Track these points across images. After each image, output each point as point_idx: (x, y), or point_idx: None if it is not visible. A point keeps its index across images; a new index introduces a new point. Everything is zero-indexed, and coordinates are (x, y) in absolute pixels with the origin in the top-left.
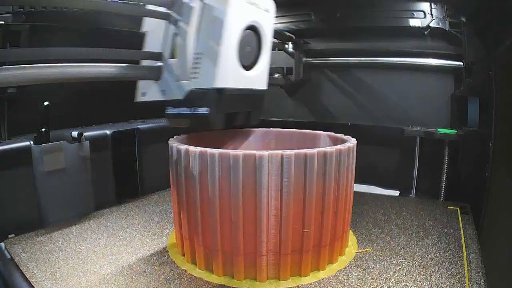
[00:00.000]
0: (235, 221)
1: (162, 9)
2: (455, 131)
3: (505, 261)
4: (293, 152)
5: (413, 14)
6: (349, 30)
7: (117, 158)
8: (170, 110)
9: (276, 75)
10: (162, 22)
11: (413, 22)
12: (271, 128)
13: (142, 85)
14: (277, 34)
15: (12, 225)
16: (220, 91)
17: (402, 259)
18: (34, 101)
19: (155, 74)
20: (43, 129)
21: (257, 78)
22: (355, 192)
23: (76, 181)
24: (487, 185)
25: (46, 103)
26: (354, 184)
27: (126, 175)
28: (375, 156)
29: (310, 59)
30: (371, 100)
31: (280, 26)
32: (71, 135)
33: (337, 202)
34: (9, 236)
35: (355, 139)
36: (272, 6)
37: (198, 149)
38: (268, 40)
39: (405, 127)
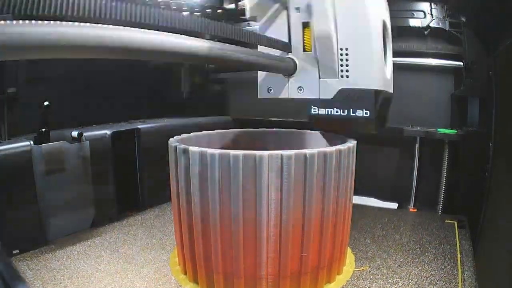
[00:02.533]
0: (235, 233)
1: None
2: (455, 131)
3: (499, 278)
4: (293, 152)
5: (413, 14)
6: None
7: (117, 158)
8: (317, 111)
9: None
10: (279, 8)
11: (413, 22)
12: (272, 128)
13: (266, 79)
14: None
15: (12, 225)
16: (378, 92)
17: (398, 278)
18: (34, 101)
19: (288, 68)
20: (43, 129)
21: (389, 80)
22: (354, 205)
23: (76, 181)
24: (487, 186)
25: (46, 103)
26: (354, 196)
27: (126, 175)
28: (375, 157)
29: None
30: None
31: None
32: (71, 135)
33: (337, 205)
34: (13, 252)
35: (355, 139)
36: (387, 4)
37: (198, 149)
38: (390, 37)
39: (405, 127)
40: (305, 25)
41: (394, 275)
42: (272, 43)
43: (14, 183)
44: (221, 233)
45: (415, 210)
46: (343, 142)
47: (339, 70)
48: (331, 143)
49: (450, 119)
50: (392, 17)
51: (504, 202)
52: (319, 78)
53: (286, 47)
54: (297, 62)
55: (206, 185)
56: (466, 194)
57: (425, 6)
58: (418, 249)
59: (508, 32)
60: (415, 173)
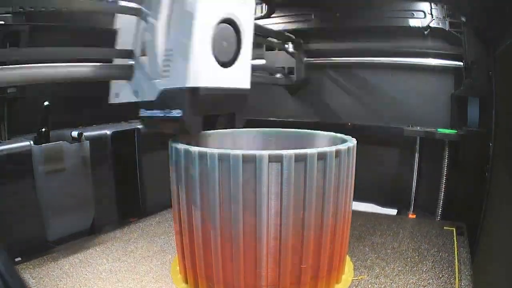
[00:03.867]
0: (235, 242)
1: (133, 5)
2: (455, 131)
3: (496, 286)
4: (293, 152)
5: (413, 14)
6: (349, 30)
7: (117, 158)
8: (143, 113)
9: (278, 75)
10: (133, 19)
11: (413, 22)
12: (272, 128)
13: (115, 85)
14: (277, 34)
15: (12, 225)
16: (194, 90)
17: (396, 287)
18: (34, 101)
19: (126, 74)
20: (43, 129)
21: (238, 76)
22: (354, 212)
23: (76, 181)
24: (487, 187)
25: (46, 103)
26: (353, 202)
27: (126, 175)
28: (374, 158)
29: (311, 59)
30: (371, 100)
31: (280, 26)
32: (71, 135)
33: (336, 210)
34: (16, 259)
35: (355, 139)
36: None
37: (197, 149)
38: (248, 34)
39: (405, 127)
40: (145, 31)
41: (392, 284)
42: (114, 54)
43: (14, 183)
44: (222, 242)
45: (414, 215)
46: (343, 142)
47: (162, 71)
48: (331, 143)
49: (450, 119)
50: (392, 17)
51: (503, 203)
52: (147, 80)
53: (128, 54)
54: (134, 67)
55: (206, 186)
56: (465, 197)
57: (425, 6)
58: (416, 257)
59: (508, 32)
60: (415, 175)
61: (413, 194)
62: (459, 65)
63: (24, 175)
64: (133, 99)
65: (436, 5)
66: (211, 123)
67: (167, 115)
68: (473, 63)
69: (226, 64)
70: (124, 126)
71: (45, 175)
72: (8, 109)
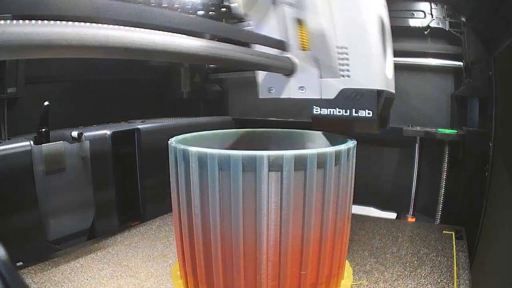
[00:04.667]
0: (235, 247)
1: None
2: (455, 131)
3: None
4: (293, 152)
5: (413, 14)
6: None
7: (117, 158)
8: (319, 111)
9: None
10: (268, 3)
11: (413, 22)
12: (271, 128)
13: (266, 79)
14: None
15: (12, 224)
16: (380, 92)
17: None
18: (34, 101)
19: (287, 67)
20: (43, 129)
21: (392, 81)
22: (353, 215)
23: (76, 181)
24: (487, 187)
25: (46, 103)
26: (353, 206)
27: (126, 175)
28: (373, 160)
29: None
30: None
31: None
32: (71, 135)
33: (336, 213)
34: (17, 264)
35: (355, 139)
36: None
37: (198, 149)
38: (390, 35)
39: (405, 127)
40: (300, 22)
41: None
42: (266, 41)
43: (14, 183)
44: (222, 248)
45: (414, 219)
46: (343, 142)
47: (340, 70)
48: (331, 143)
49: (450, 119)
50: (392, 17)
51: (503, 205)
52: (320, 77)
53: (281, 45)
54: (296, 61)
55: (206, 187)
56: (465, 198)
57: (425, 6)
58: (415, 261)
59: (508, 32)
60: (415, 177)
61: (412, 197)
62: (459, 65)
63: (24, 175)
64: (297, 95)
65: (436, 5)
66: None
67: (354, 115)
68: (473, 63)
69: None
70: (124, 126)
71: (45, 175)
72: (8, 109)
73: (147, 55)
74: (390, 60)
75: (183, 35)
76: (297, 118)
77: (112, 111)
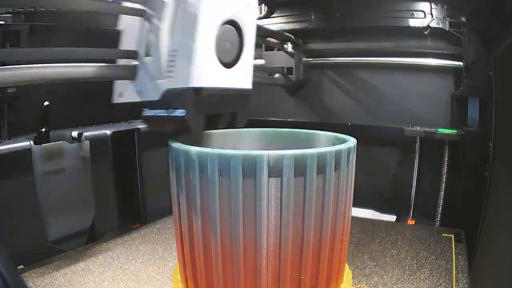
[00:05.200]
0: (235, 251)
1: (137, 6)
2: (455, 131)
3: None
4: (293, 152)
5: (413, 14)
6: (349, 30)
7: (117, 158)
8: (147, 112)
9: (277, 75)
10: (138, 20)
11: (413, 22)
12: (271, 128)
13: (118, 85)
14: (276, 34)
15: (12, 225)
16: (197, 90)
17: None
18: (34, 101)
19: (130, 74)
20: (43, 129)
21: (240, 76)
22: (353, 218)
23: (76, 181)
24: (487, 188)
25: (46, 103)
26: (352, 208)
27: (126, 175)
28: (374, 159)
29: (310, 59)
30: (371, 100)
31: (279, 26)
32: (71, 135)
33: (336, 216)
34: (18, 267)
35: (355, 139)
36: (253, 0)
37: (198, 149)
38: (250, 35)
39: (405, 127)
40: (150, 31)
41: None
42: (118, 54)
43: (14, 183)
44: (222, 252)
45: (414, 221)
46: (343, 142)
47: (166, 71)
48: (331, 143)
49: (450, 119)
50: (392, 17)
51: (503, 205)
52: (152, 80)
53: (132, 55)
54: (137, 67)
55: (206, 187)
56: (465, 200)
57: (425, 6)
58: (414, 265)
59: (508, 32)
60: (414, 179)
61: (412, 199)
62: (459, 65)
63: (24, 175)
64: (136, 99)
65: (436, 5)
66: (213, 123)
67: (170, 114)
68: (473, 63)
69: (228, 64)
70: (124, 126)
71: (45, 175)
72: (8, 109)
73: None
74: (246, 56)
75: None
76: (297, 118)
77: (112, 111)
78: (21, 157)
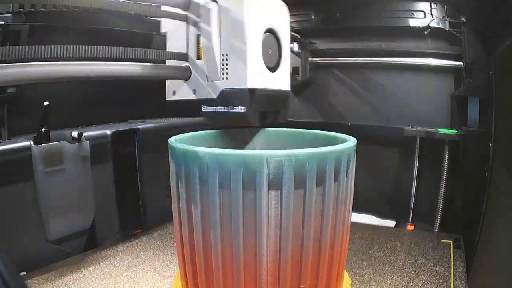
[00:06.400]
0: (236, 259)
1: (179, 11)
2: (455, 131)
3: None
4: (292, 152)
5: (413, 14)
6: (349, 30)
7: (117, 158)
8: (206, 109)
9: None
10: (182, 24)
11: (413, 22)
12: (271, 128)
13: (171, 84)
14: None
15: (12, 225)
16: (252, 90)
17: None
18: (34, 101)
19: (184, 74)
20: (43, 129)
21: (281, 79)
22: (353, 224)
23: (76, 181)
24: (487, 188)
25: (46, 103)
26: (352, 213)
27: (126, 175)
28: (374, 160)
29: (316, 59)
30: (371, 100)
31: None
32: (71, 135)
33: (336, 218)
34: (20, 273)
35: (355, 139)
36: (285, 9)
37: (197, 149)
38: (286, 42)
39: (405, 127)
40: (198, 36)
41: None
42: (171, 55)
43: (14, 183)
44: (223, 259)
45: (413, 226)
46: (343, 142)
47: (221, 73)
48: (331, 143)
49: (450, 119)
50: (392, 17)
51: (503, 206)
52: (207, 81)
53: (184, 57)
54: (191, 68)
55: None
56: (465, 202)
57: (425, 6)
58: (413, 272)
59: (508, 32)
60: (414, 181)
61: (412, 203)
62: (459, 65)
63: (24, 175)
64: (191, 96)
65: (436, 5)
66: (263, 119)
67: (231, 111)
68: (473, 63)
69: (272, 69)
70: (124, 126)
71: (45, 175)
72: (8, 109)
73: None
74: (285, 61)
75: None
76: (298, 118)
77: (112, 111)
78: (21, 157)
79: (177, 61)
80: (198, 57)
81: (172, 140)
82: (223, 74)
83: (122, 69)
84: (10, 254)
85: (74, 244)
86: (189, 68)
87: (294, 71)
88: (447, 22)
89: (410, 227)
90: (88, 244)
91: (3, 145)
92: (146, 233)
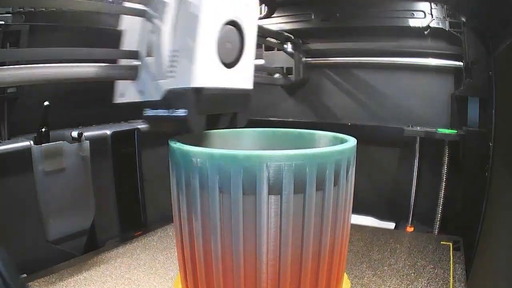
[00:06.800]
0: (236, 262)
1: (138, 6)
2: (455, 131)
3: None
4: (292, 152)
5: (413, 14)
6: (349, 30)
7: (117, 158)
8: (148, 112)
9: (276, 75)
10: (139, 20)
11: (413, 22)
12: (270, 128)
13: (120, 85)
14: (275, 34)
15: (12, 224)
16: (198, 90)
17: None
18: (34, 101)
19: (131, 74)
20: (43, 129)
21: (240, 77)
22: (352, 226)
23: (76, 181)
24: (487, 188)
25: (46, 103)
26: (352, 215)
27: (126, 176)
28: (373, 161)
29: (310, 59)
30: (371, 100)
31: (279, 26)
32: (71, 135)
33: (335, 218)
34: (21, 276)
35: (355, 139)
36: (253, 0)
37: (198, 149)
38: (251, 36)
39: (405, 127)
40: (152, 32)
41: None
42: (120, 54)
43: (14, 183)
44: (223, 263)
45: (413, 228)
46: (343, 142)
47: (168, 71)
48: (331, 143)
49: (450, 119)
50: (392, 17)
51: (503, 205)
52: (154, 80)
53: (134, 55)
54: (139, 67)
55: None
56: (465, 203)
57: (425, 6)
58: (412, 274)
59: (508, 32)
60: (414, 183)
61: (412, 205)
62: (459, 65)
63: (24, 175)
64: (138, 98)
65: (436, 5)
66: (213, 123)
67: (172, 114)
68: (473, 63)
69: (229, 65)
70: (124, 126)
71: (45, 175)
72: (8, 109)
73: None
74: (247, 57)
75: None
76: (296, 118)
77: (112, 111)
78: (21, 157)
79: (129, 60)
80: (149, 55)
81: (172, 140)
82: (170, 72)
83: (67, 71)
84: (10, 254)
85: (74, 244)
86: (137, 67)
87: (288, 71)
88: (447, 22)
89: (409, 229)
90: (89, 245)
91: (3, 145)
92: (146, 235)
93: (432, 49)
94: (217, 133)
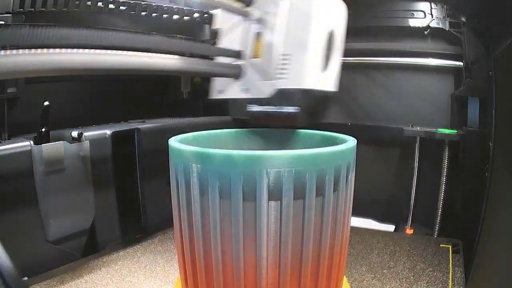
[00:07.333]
0: (236, 265)
1: (239, 5)
2: (455, 131)
3: None
4: (292, 152)
5: (413, 14)
6: (349, 30)
7: (117, 158)
8: (253, 108)
9: None
10: (240, 20)
11: (413, 22)
12: (270, 128)
13: (218, 82)
14: None
15: (12, 225)
16: (308, 91)
17: None
18: (34, 101)
19: (236, 73)
20: (43, 129)
21: (330, 80)
22: (352, 228)
23: (76, 181)
24: (487, 188)
25: (46, 103)
26: (352, 217)
27: (126, 175)
28: (373, 161)
29: None
30: (371, 100)
31: None
32: (71, 135)
33: (335, 223)
34: (24, 279)
35: (355, 139)
36: (345, 11)
37: (198, 149)
38: (339, 43)
39: (405, 127)
40: (259, 35)
41: None
42: (224, 53)
43: (14, 183)
44: (223, 267)
45: (412, 230)
46: (343, 142)
47: (278, 73)
48: (331, 143)
49: (450, 119)
50: (392, 17)
51: (503, 205)
52: (261, 80)
53: (238, 55)
54: (243, 67)
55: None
56: (465, 201)
57: (425, 6)
58: (411, 277)
59: (508, 32)
60: (414, 184)
61: (411, 207)
62: (459, 65)
63: (24, 175)
64: (240, 95)
65: (436, 5)
66: (310, 118)
67: (281, 110)
68: (473, 63)
69: (324, 69)
70: (124, 126)
71: (45, 175)
72: (8, 109)
73: (127, 71)
74: (335, 63)
75: (150, 54)
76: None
77: (112, 111)
78: (21, 157)
79: (225, 58)
80: (254, 55)
81: (172, 140)
82: (281, 74)
83: (167, 63)
84: (10, 255)
85: (74, 244)
86: (241, 66)
87: None
88: (447, 22)
89: (409, 231)
90: (89, 246)
91: (3, 145)
92: (147, 238)
93: (432, 49)
94: (217, 133)
